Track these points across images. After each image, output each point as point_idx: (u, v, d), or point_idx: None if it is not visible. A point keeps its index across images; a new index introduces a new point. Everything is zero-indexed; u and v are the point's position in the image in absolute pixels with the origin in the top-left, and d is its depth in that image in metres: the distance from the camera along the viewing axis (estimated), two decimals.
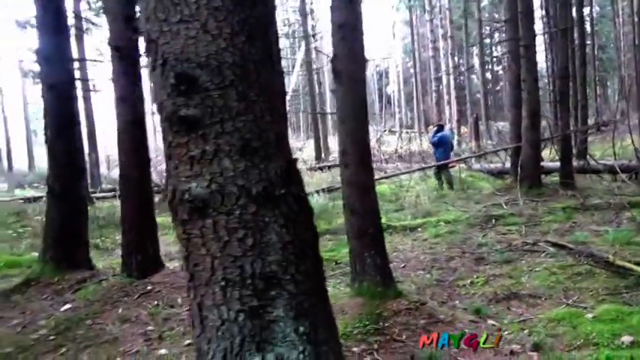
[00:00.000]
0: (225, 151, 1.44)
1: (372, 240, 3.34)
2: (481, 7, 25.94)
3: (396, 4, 32.67)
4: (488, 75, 37.54)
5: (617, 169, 8.92)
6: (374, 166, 4.46)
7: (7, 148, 23.57)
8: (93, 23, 12.06)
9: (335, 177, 14.35)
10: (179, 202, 1.48)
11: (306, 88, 22.90)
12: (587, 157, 10.66)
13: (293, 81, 26.44)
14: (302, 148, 22.72)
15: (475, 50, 32.46)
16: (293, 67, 26.18)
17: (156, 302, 4.28)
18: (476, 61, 31.90)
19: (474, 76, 33.16)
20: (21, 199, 13.29)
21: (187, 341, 3.50)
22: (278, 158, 1.53)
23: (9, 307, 4.59)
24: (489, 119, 25.33)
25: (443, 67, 28.69)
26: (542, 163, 9.66)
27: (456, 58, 26.85)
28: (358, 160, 3.34)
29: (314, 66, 21.75)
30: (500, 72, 39.18)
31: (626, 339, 2.85)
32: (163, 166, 1.59)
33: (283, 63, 1.91)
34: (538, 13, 16.50)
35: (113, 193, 13.69)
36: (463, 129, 24.08)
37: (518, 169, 8.72)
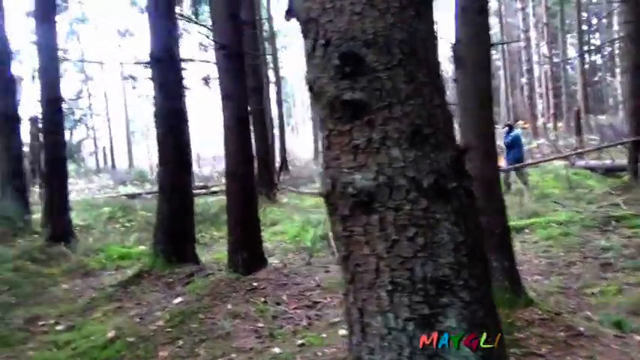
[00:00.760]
0: (394, 138, 1.29)
1: (498, 241, 3.06)
2: None
3: None
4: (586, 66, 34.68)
5: None
6: None
7: (111, 148, 25.55)
8: (195, 22, 12.59)
9: None
10: (340, 195, 1.35)
11: None
12: None
13: None
14: None
15: (569, 39, 30.17)
16: None
17: (262, 299, 4.28)
18: (570, 51, 29.63)
19: (567, 67, 30.79)
20: (125, 195, 14.25)
21: (300, 341, 3.43)
22: (449, 146, 1.35)
23: (127, 297, 4.84)
24: (589, 112, 23.36)
25: (535, 58, 26.93)
26: None
27: (548, 48, 25.08)
28: (482, 153, 3.06)
29: None
30: (599, 62, 36.12)
31: None
32: None
33: None
34: None
35: (205, 190, 14.33)
36: (559, 124, 22.42)
37: (639, 165, 7.84)
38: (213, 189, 13.66)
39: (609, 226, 6.13)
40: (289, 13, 1.43)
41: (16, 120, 8.44)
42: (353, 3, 1.28)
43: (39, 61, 7.18)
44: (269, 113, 15.23)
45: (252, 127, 5.47)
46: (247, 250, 4.78)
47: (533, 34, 26.36)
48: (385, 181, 1.29)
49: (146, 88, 29.46)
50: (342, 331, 3.43)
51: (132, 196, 13.57)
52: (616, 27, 24.06)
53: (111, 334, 3.89)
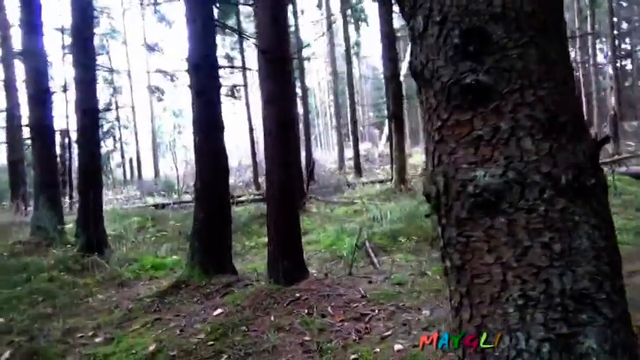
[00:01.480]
0: (526, 127, 1.10)
1: None
2: None
3: None
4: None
5: None
6: None
7: (138, 160, 25.83)
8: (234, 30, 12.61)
9: None
10: (456, 195, 1.16)
11: None
12: None
13: None
14: (411, 154, 22.07)
15: (598, 44, 29.48)
16: None
17: (306, 311, 4.10)
18: (599, 57, 28.93)
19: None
20: (153, 205, 14.27)
21: (352, 356, 3.23)
22: (586, 136, 1.15)
23: (164, 308, 4.71)
24: (622, 119, 22.69)
25: None
26: None
27: (580, 53, 24.50)
28: None
29: None
30: (629, 67, 35.23)
31: None
32: None
33: None
34: None
35: (232, 199, 14.27)
36: (593, 130, 21.78)
37: None
38: (241, 198, 13.57)
39: None
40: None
41: (50, 131, 8.50)
42: None
43: (75, 72, 7.21)
44: (297, 123, 15.15)
45: None
46: (288, 260, 4.61)
47: None
48: (515, 177, 1.10)
49: (170, 101, 29.93)
50: (398, 346, 3.22)
51: (160, 206, 13.57)
52: None
53: (152, 347, 3.75)
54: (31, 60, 8.12)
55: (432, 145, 1.23)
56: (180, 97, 29.36)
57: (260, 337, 3.72)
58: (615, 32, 27.85)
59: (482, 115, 1.12)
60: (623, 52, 31.31)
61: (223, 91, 14.66)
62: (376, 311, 3.99)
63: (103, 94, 23.71)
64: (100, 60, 23.24)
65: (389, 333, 3.51)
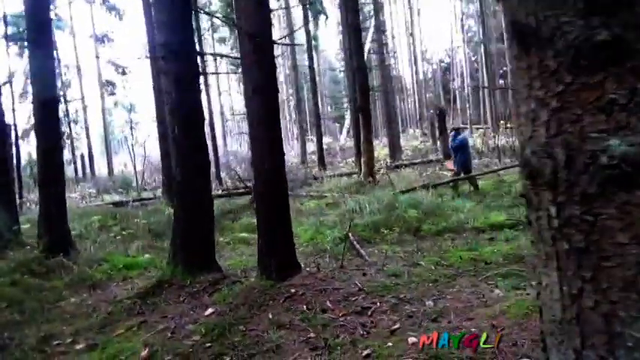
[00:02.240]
0: None
1: None
2: None
3: None
4: None
5: None
6: None
7: (90, 156, 24.64)
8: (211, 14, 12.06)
9: (423, 173, 13.74)
10: (583, 167, 1.04)
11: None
12: None
13: None
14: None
15: None
16: None
17: (305, 307, 3.93)
18: None
19: None
20: (111, 203, 13.62)
21: (365, 352, 3.09)
22: None
23: (148, 310, 4.40)
24: None
25: None
26: None
27: None
28: None
29: None
30: None
31: None
32: None
33: None
34: None
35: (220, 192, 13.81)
36: None
37: None
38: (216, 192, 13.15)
39: None
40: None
41: (1, 129, 7.89)
42: None
43: (31, 61, 6.67)
44: None
45: None
46: (280, 255, 4.42)
47: None
48: None
49: (122, 95, 28.71)
50: (413, 339, 3.11)
51: (119, 204, 12.95)
52: None
53: (144, 352, 3.48)
54: None
55: (545, 114, 1.09)
56: (133, 91, 28.26)
57: (261, 336, 3.53)
58: None
59: (616, 76, 1.00)
60: None
61: None
62: (378, 304, 3.88)
63: None
64: None
65: (397, 326, 3.40)
